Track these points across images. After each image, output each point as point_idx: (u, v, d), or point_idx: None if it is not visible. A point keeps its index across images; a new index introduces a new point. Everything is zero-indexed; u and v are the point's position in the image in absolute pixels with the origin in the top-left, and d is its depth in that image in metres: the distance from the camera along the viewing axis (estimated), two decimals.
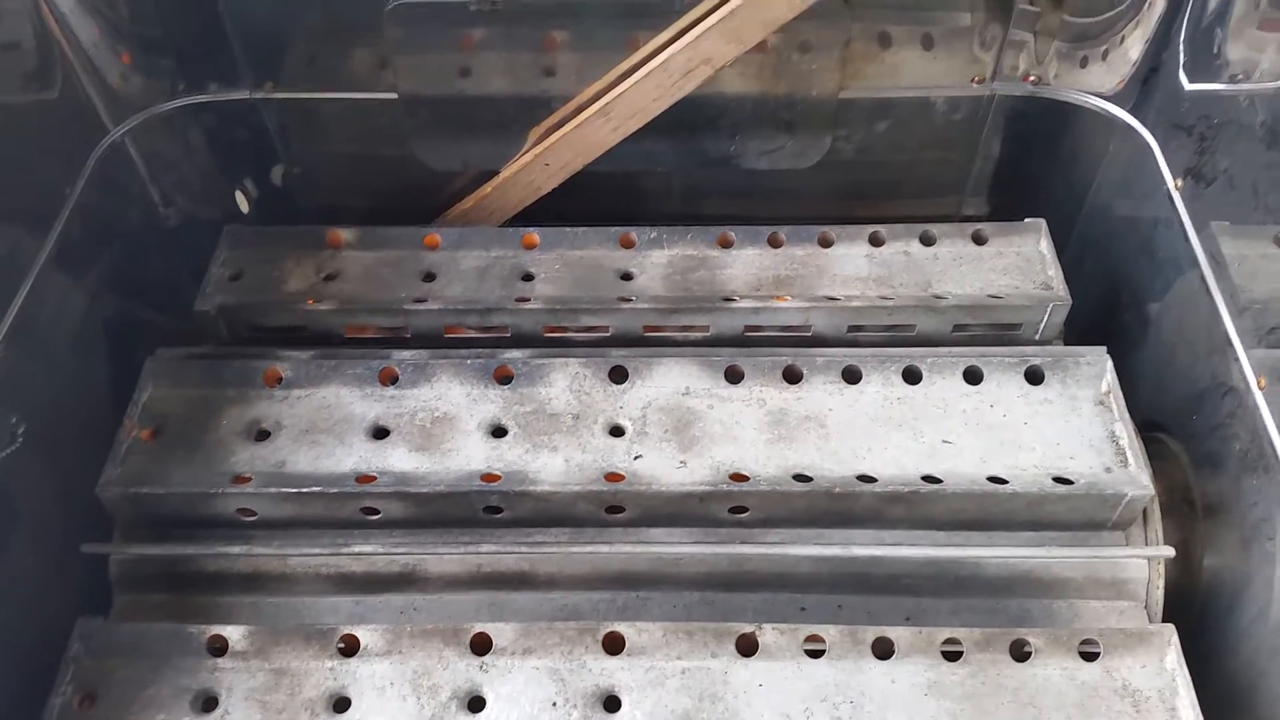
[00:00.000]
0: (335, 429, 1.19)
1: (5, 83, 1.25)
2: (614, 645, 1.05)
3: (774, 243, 1.39)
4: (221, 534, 1.17)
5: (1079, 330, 1.37)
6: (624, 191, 1.57)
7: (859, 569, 1.16)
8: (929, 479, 1.13)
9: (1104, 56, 1.42)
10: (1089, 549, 1.15)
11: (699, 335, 1.33)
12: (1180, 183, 1.30)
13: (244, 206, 1.62)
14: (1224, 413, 1.17)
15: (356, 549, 1.15)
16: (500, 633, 1.05)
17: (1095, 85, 1.45)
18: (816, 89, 1.48)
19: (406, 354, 1.25)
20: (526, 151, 1.46)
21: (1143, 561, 1.16)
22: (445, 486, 1.13)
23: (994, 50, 1.46)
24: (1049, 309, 1.31)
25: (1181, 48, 1.31)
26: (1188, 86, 1.30)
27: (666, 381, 1.23)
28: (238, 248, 1.40)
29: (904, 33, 1.45)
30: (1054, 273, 1.34)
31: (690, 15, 1.36)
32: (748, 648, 1.04)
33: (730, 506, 1.15)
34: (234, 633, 1.06)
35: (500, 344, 1.31)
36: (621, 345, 1.29)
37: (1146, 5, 1.34)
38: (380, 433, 1.20)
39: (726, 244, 1.39)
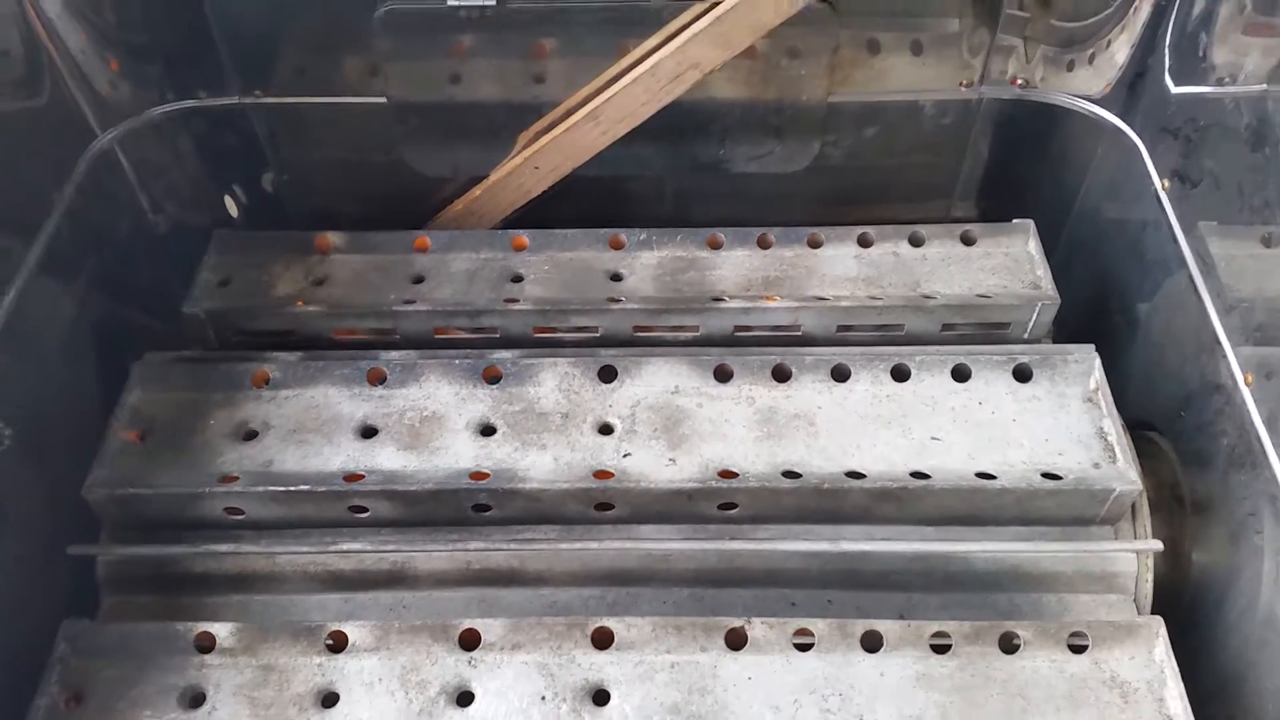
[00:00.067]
0: (323, 429, 1.19)
1: None
2: (603, 640, 1.04)
3: (763, 244, 1.39)
4: (209, 534, 1.17)
5: (1069, 331, 1.37)
6: (614, 196, 1.58)
7: (848, 564, 1.16)
8: (918, 475, 1.14)
9: (1090, 60, 1.43)
10: (1078, 543, 1.16)
11: (688, 336, 1.33)
12: (1167, 184, 1.30)
13: (234, 212, 1.62)
14: (1212, 410, 1.17)
15: (345, 547, 1.15)
16: (489, 628, 1.05)
17: (1082, 89, 1.46)
18: (805, 94, 1.49)
19: (395, 354, 1.25)
20: (515, 155, 1.46)
21: (1132, 556, 1.16)
22: (434, 485, 1.13)
23: (981, 54, 1.47)
24: (1037, 308, 1.31)
25: (1167, 52, 1.32)
26: (1174, 90, 1.31)
27: (656, 380, 1.23)
28: (226, 253, 1.40)
29: (892, 38, 1.46)
30: (1042, 272, 1.35)
31: (679, 20, 1.36)
32: (737, 641, 1.04)
33: (719, 503, 1.15)
34: (221, 630, 1.05)
35: (490, 345, 1.31)
36: (611, 346, 1.29)
37: (1132, 10, 1.35)
38: (368, 432, 1.19)
39: (716, 245, 1.40)
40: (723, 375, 1.23)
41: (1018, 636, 1.04)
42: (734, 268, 1.37)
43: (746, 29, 1.32)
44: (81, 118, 1.39)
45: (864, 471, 1.14)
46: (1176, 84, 1.31)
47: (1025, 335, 1.34)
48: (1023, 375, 1.23)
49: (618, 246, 1.40)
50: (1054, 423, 1.19)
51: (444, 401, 1.22)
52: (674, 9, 1.38)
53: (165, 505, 1.15)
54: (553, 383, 1.23)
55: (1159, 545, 1.15)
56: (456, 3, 1.40)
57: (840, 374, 1.23)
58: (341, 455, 1.17)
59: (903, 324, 1.32)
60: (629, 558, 1.16)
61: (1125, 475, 1.14)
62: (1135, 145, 1.38)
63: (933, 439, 1.18)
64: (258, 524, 1.17)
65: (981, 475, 1.14)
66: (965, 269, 1.37)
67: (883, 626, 1.05)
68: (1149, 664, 1.04)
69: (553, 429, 1.19)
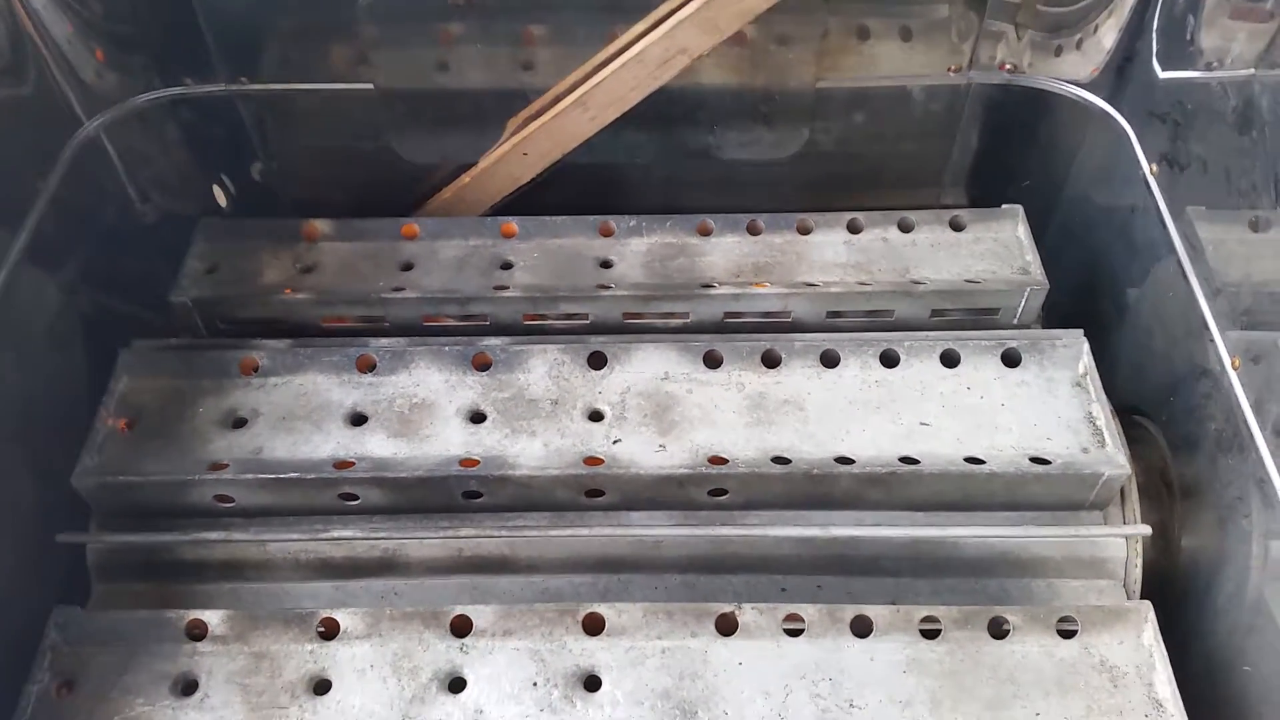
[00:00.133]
0: (313, 416, 1.19)
1: None
2: (594, 626, 1.05)
3: (753, 230, 1.39)
4: (199, 522, 1.17)
5: (1059, 316, 1.38)
6: (604, 183, 1.57)
7: (839, 550, 1.16)
8: (907, 460, 1.14)
9: (1078, 45, 1.43)
10: (1067, 528, 1.16)
11: (678, 322, 1.33)
12: (1155, 169, 1.30)
13: (222, 201, 1.61)
14: (1200, 394, 1.17)
15: (336, 534, 1.14)
16: (480, 615, 1.05)
17: (1070, 74, 1.46)
18: (793, 80, 1.49)
19: (384, 341, 1.25)
20: (504, 142, 1.46)
21: (1121, 540, 1.17)
22: (424, 471, 1.13)
23: (970, 40, 1.46)
24: (1026, 293, 1.31)
25: (1154, 36, 1.33)
26: (1161, 75, 1.31)
27: (645, 367, 1.23)
28: (213, 241, 1.40)
29: (880, 23, 1.46)
30: (1031, 258, 1.35)
31: (667, 5, 1.36)
32: (727, 627, 1.05)
33: (710, 489, 1.15)
34: (213, 617, 1.05)
35: (479, 333, 1.31)
36: (601, 333, 1.29)
37: None
38: (358, 419, 1.19)
39: (706, 232, 1.40)
40: (712, 361, 1.23)
41: (1007, 622, 1.05)
42: (724, 254, 1.37)
43: (734, 14, 1.32)
44: (67, 105, 1.38)
45: (853, 457, 1.14)
46: (1164, 69, 1.31)
47: (1014, 320, 1.34)
48: (1011, 360, 1.23)
49: (607, 233, 1.39)
50: (1042, 407, 1.20)
51: (434, 388, 1.22)
52: None
53: (155, 493, 1.15)
54: (542, 369, 1.23)
55: (1148, 530, 1.16)
56: None
57: (830, 359, 1.23)
58: (331, 443, 1.17)
59: (892, 310, 1.32)
60: (620, 544, 1.16)
61: (1114, 460, 1.14)
62: (1124, 130, 1.39)
63: (922, 424, 1.18)
64: (248, 511, 1.17)
65: (970, 460, 1.14)
66: (954, 254, 1.37)
67: (872, 612, 1.05)
68: (1138, 649, 1.04)
69: (543, 416, 1.19)
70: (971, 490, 1.15)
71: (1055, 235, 1.54)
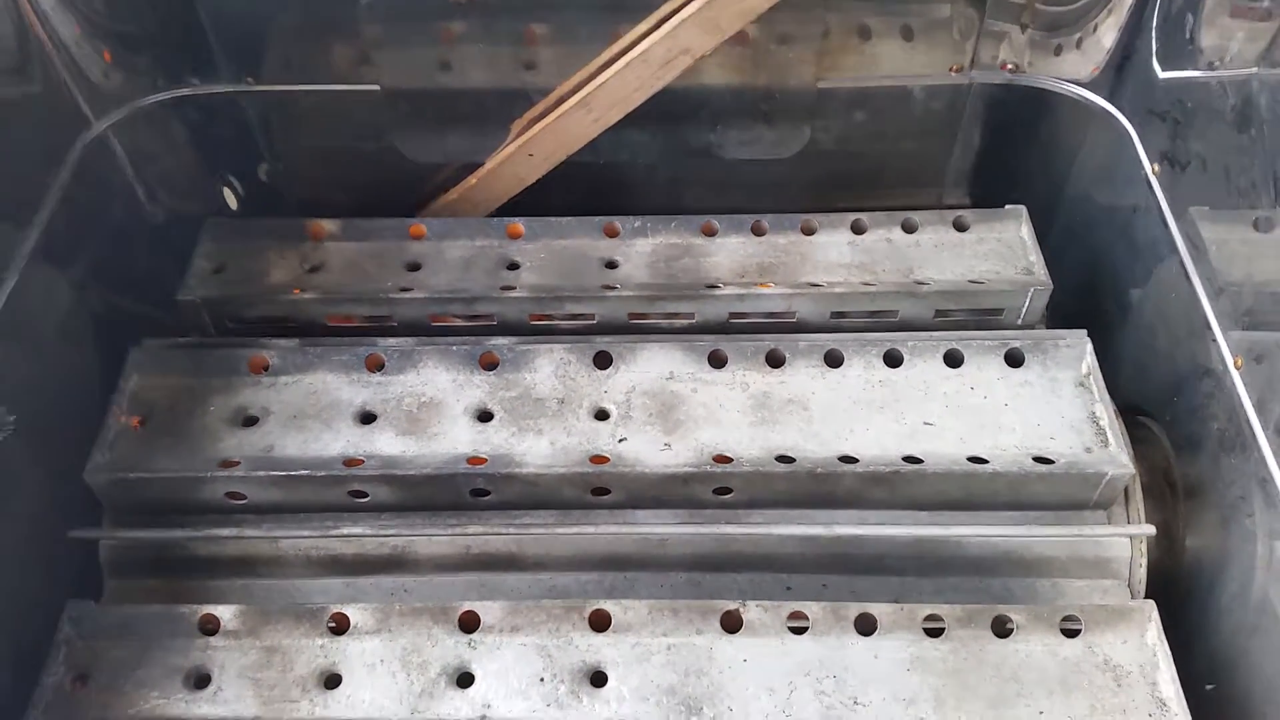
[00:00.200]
0: (322, 414, 1.20)
1: None
2: (600, 622, 1.06)
3: (757, 231, 1.40)
4: (211, 519, 1.18)
5: (1063, 317, 1.38)
6: (608, 183, 1.58)
7: (843, 549, 1.17)
8: (910, 459, 1.15)
9: (1078, 44, 1.44)
10: (1071, 528, 1.17)
11: (683, 322, 1.34)
12: (1157, 168, 1.31)
13: (232, 203, 1.62)
14: (1202, 394, 1.18)
15: (346, 531, 1.16)
16: (488, 611, 1.06)
17: (1070, 73, 1.46)
18: (794, 79, 1.49)
19: (393, 341, 1.26)
20: (509, 143, 1.47)
21: (1125, 540, 1.17)
22: (432, 469, 1.14)
23: (971, 40, 1.47)
24: (1030, 294, 1.32)
25: (1154, 35, 1.33)
26: (1161, 74, 1.32)
27: (651, 366, 1.24)
28: (220, 240, 1.40)
29: (881, 22, 1.47)
30: (1035, 258, 1.36)
31: (669, 5, 1.37)
32: (732, 624, 1.06)
33: (714, 488, 1.16)
34: (225, 612, 1.07)
35: (486, 332, 1.31)
36: (606, 333, 1.30)
37: None
38: (367, 418, 1.20)
39: (710, 232, 1.40)
40: (717, 361, 1.24)
41: (1011, 620, 1.06)
42: (728, 255, 1.38)
43: (736, 14, 1.33)
44: (75, 106, 1.39)
45: (857, 456, 1.15)
46: (1164, 68, 1.32)
47: (1018, 321, 1.35)
48: (1015, 360, 1.24)
49: (613, 234, 1.40)
50: (1046, 407, 1.20)
51: (442, 388, 1.23)
52: None
53: (166, 489, 1.16)
54: (549, 369, 1.24)
55: (1151, 529, 1.17)
56: None
57: (834, 359, 1.24)
58: (341, 441, 1.18)
59: (896, 310, 1.33)
60: (626, 542, 1.17)
61: (1117, 459, 1.15)
62: (1125, 129, 1.39)
63: (925, 424, 1.19)
64: (259, 508, 1.18)
65: (973, 460, 1.15)
66: (958, 255, 1.37)
67: (876, 610, 1.06)
68: (1142, 648, 1.05)
69: (549, 414, 1.20)
70: (975, 490, 1.15)
71: (1058, 235, 1.55)
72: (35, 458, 1.19)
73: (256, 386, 1.23)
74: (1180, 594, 1.20)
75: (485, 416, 1.20)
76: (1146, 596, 1.16)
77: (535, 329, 1.34)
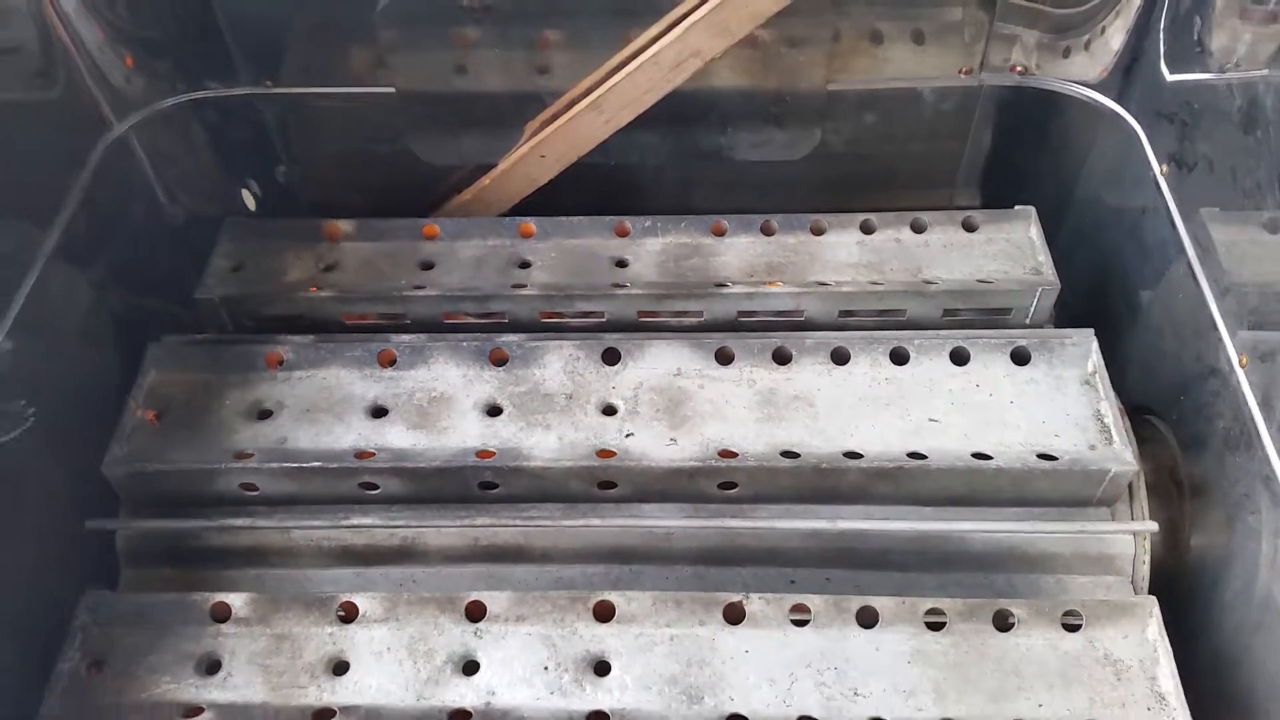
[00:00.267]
0: (335, 408, 1.22)
1: (11, 81, 1.29)
2: (605, 613, 1.07)
3: (767, 231, 1.41)
4: (225, 510, 1.20)
5: (1073, 317, 1.38)
6: (620, 185, 1.59)
7: (847, 544, 1.18)
8: (914, 455, 1.16)
9: (1086, 46, 1.44)
10: (1074, 524, 1.17)
11: (692, 321, 1.36)
12: (1165, 169, 1.32)
13: (251, 205, 1.65)
14: (1209, 393, 1.18)
15: (356, 522, 1.17)
16: (494, 601, 1.08)
17: (1079, 75, 1.47)
18: (804, 82, 1.50)
19: (405, 337, 1.28)
20: (522, 144, 1.49)
21: (1129, 537, 1.18)
22: (441, 462, 1.16)
23: (981, 42, 1.48)
24: (1038, 293, 1.33)
25: (1161, 37, 1.34)
26: (1169, 76, 1.33)
27: (658, 363, 1.25)
28: (238, 239, 1.43)
29: (890, 25, 1.48)
30: (1043, 258, 1.36)
31: (680, 8, 1.38)
32: (735, 616, 1.07)
33: (720, 482, 1.17)
34: (237, 600, 1.09)
35: (497, 330, 1.33)
36: (616, 331, 1.31)
37: None
38: (379, 412, 1.22)
39: (720, 232, 1.42)
40: (724, 358, 1.25)
41: (1012, 615, 1.07)
42: (737, 254, 1.39)
43: (746, 16, 1.34)
44: (97, 108, 1.41)
45: (861, 452, 1.16)
46: (1171, 70, 1.32)
47: (1026, 321, 1.35)
48: (1021, 358, 1.25)
49: (623, 233, 1.42)
50: (1051, 405, 1.21)
51: (452, 383, 1.25)
52: None
53: (182, 481, 1.18)
54: (558, 365, 1.25)
55: (1154, 526, 1.17)
56: None
57: (840, 357, 1.25)
58: (353, 434, 1.20)
59: (904, 309, 1.34)
60: (632, 535, 1.18)
61: (1121, 456, 1.15)
62: (1134, 131, 1.40)
63: (930, 420, 1.20)
64: (272, 500, 1.20)
65: (978, 456, 1.16)
66: (967, 255, 1.38)
67: (878, 603, 1.07)
68: (1142, 643, 1.05)
69: (557, 409, 1.21)
70: (978, 485, 1.16)
71: (1068, 236, 1.55)
72: (55, 451, 1.21)
73: (271, 381, 1.25)
74: (1185, 591, 1.21)
75: (494, 411, 1.22)
76: (1152, 594, 1.16)
77: (546, 327, 1.35)
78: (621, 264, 1.38)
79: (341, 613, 1.08)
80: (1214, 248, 1.21)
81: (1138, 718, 1.01)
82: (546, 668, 1.04)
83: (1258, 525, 1.08)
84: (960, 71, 1.51)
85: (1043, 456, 1.15)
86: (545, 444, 1.18)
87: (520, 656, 1.05)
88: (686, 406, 1.21)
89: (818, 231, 1.41)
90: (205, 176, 1.59)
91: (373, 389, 1.24)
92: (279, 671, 1.05)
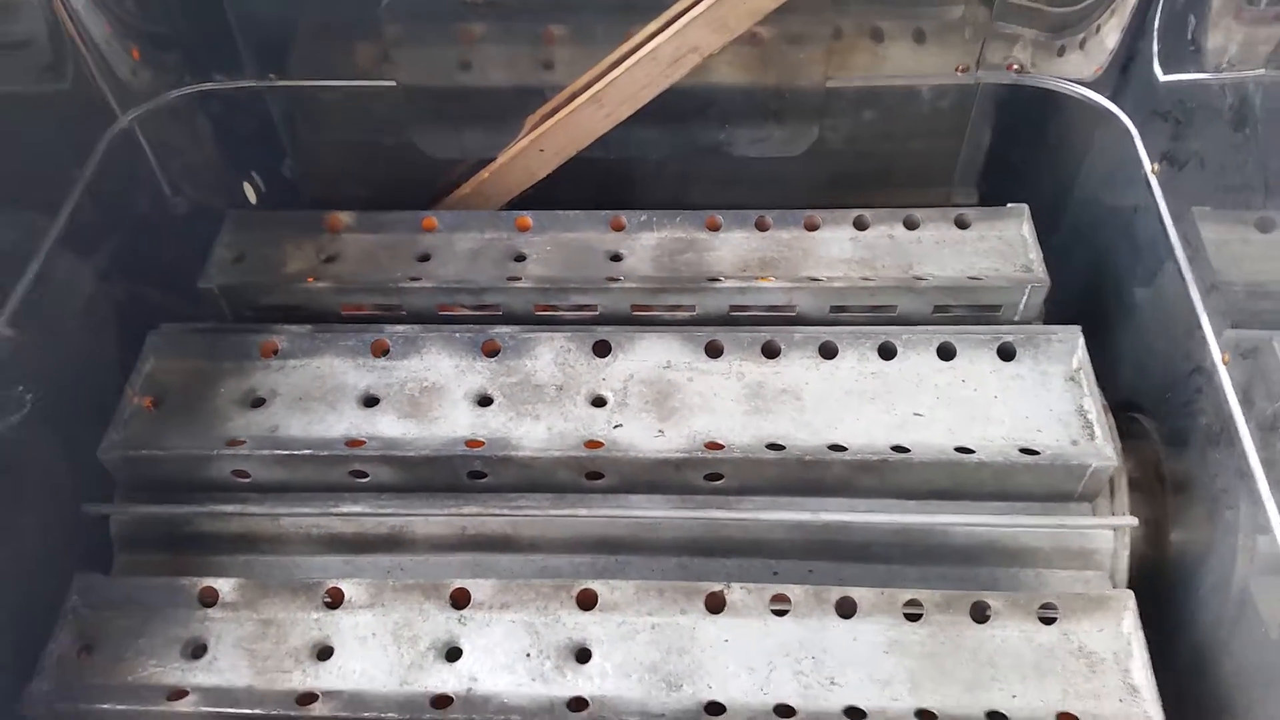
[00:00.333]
0: (328, 397, 1.24)
1: (20, 73, 1.31)
2: (587, 601, 1.09)
3: (761, 226, 1.42)
4: (217, 496, 1.22)
5: (1068, 315, 1.37)
6: (617, 179, 1.61)
7: (830, 536, 1.19)
8: (898, 449, 1.17)
9: (1081, 45, 1.45)
10: (1052, 518, 1.18)
11: (685, 314, 1.37)
12: (1157, 168, 1.32)
13: (253, 198, 1.67)
14: (1193, 390, 1.19)
15: (346, 510, 1.20)
16: (479, 588, 1.09)
17: (1074, 74, 1.48)
18: (803, 79, 1.52)
19: (398, 328, 1.29)
20: (522, 138, 1.50)
21: (1109, 532, 1.18)
22: (431, 451, 1.18)
23: (978, 40, 1.48)
24: (1028, 290, 1.33)
25: (1156, 37, 1.34)
26: (1162, 77, 1.33)
27: (649, 355, 1.27)
28: (241, 230, 1.45)
29: (887, 23, 1.49)
30: (1034, 256, 1.37)
31: (679, 4, 1.40)
32: (716, 605, 1.08)
33: (706, 473, 1.19)
34: (224, 585, 1.11)
35: (492, 321, 1.35)
36: (610, 324, 1.33)
37: None
38: (371, 401, 1.24)
39: (714, 227, 1.43)
40: (714, 351, 1.27)
41: (989, 607, 1.08)
42: (731, 249, 1.40)
43: (744, 13, 1.36)
44: (103, 100, 1.44)
45: (846, 445, 1.17)
46: (1165, 70, 1.33)
47: (1016, 317, 1.36)
48: (1007, 354, 1.25)
49: (618, 228, 1.43)
50: (1035, 400, 1.22)
51: (444, 373, 1.26)
52: None
53: (176, 467, 1.20)
54: (549, 356, 1.27)
55: (1133, 521, 1.18)
56: None
57: (828, 351, 1.26)
58: (344, 422, 1.22)
59: (895, 305, 1.35)
60: (619, 526, 1.20)
61: (1102, 452, 1.16)
62: (1127, 129, 1.40)
63: (915, 415, 1.21)
64: (263, 487, 1.22)
65: (961, 450, 1.17)
66: (958, 252, 1.39)
67: (857, 594, 1.08)
68: (1117, 636, 1.07)
69: (547, 400, 1.23)
70: (961, 478, 1.17)
71: (1065, 234, 1.56)
72: (55, 436, 1.24)
73: (266, 370, 1.27)
74: (1167, 586, 1.21)
75: (485, 401, 1.24)
76: (1135, 589, 1.16)
77: (540, 319, 1.37)
78: (616, 258, 1.40)
79: (327, 598, 1.10)
80: (1201, 246, 1.21)
81: (1110, 709, 1.02)
82: (529, 655, 1.06)
83: (1235, 520, 1.09)
84: (957, 70, 1.52)
85: (1025, 451, 1.16)
86: (534, 434, 1.19)
87: (503, 643, 1.06)
88: (675, 399, 1.23)
89: (812, 227, 1.42)
90: (209, 168, 1.62)
91: (365, 378, 1.26)
92: (264, 656, 1.07)
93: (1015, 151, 1.61)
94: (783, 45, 1.49)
